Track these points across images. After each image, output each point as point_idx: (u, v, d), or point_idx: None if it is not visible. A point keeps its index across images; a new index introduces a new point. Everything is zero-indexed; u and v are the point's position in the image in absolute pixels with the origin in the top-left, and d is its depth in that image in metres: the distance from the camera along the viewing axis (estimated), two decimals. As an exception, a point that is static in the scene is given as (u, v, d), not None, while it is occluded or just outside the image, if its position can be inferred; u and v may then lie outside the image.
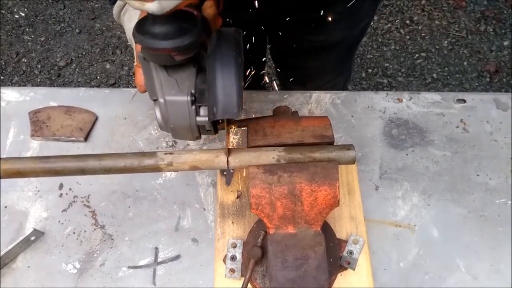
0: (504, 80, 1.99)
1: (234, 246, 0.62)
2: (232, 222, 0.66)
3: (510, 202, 0.70)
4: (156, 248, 0.67)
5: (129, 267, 0.66)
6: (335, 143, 0.55)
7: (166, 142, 0.76)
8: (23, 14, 2.11)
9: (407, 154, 0.75)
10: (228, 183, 0.69)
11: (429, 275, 0.66)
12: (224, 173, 0.70)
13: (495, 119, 0.79)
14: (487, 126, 0.78)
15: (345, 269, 0.62)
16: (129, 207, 0.70)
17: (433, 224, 0.70)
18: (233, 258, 0.61)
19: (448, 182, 0.69)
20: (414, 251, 0.68)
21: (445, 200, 0.71)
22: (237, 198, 0.68)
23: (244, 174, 0.69)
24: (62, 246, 0.67)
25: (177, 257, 0.66)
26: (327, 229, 0.61)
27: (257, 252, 0.56)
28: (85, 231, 0.69)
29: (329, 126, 0.56)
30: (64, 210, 0.70)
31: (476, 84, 1.97)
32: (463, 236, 0.69)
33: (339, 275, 0.61)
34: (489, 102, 0.81)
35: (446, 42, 2.05)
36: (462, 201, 0.65)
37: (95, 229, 0.69)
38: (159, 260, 0.66)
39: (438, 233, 0.69)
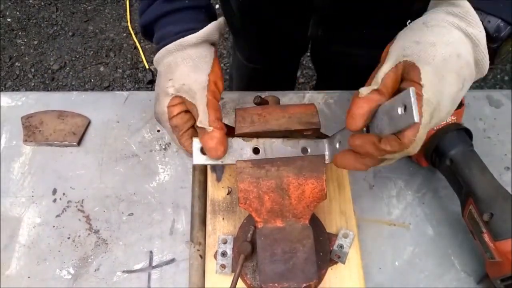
0: (498, 76, 2.00)
1: (225, 242, 0.62)
2: (223, 218, 0.66)
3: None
4: (151, 252, 0.67)
5: (123, 271, 0.65)
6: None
7: (160, 145, 0.76)
8: (9, 20, 2.11)
9: (401, 153, 0.75)
10: (218, 179, 0.69)
11: (424, 274, 0.66)
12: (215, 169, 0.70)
13: (488, 116, 0.79)
14: (480, 123, 0.78)
15: (336, 263, 0.62)
16: (122, 212, 0.70)
17: (428, 222, 0.70)
18: (223, 254, 0.61)
19: (442, 179, 0.69)
20: (409, 250, 0.68)
21: (439, 198, 0.72)
22: (227, 194, 0.68)
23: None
24: (57, 251, 0.67)
25: (172, 261, 0.66)
26: (317, 223, 0.62)
27: (246, 247, 0.57)
28: (79, 236, 0.68)
29: (316, 113, 0.57)
30: (58, 216, 0.70)
31: (470, 80, 1.97)
32: (458, 233, 0.69)
33: (329, 269, 0.61)
34: (481, 99, 0.81)
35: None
36: (456, 199, 0.65)
37: (89, 234, 0.68)
38: (154, 264, 0.66)
39: (433, 231, 0.69)
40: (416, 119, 0.36)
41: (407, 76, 0.44)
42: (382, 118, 0.43)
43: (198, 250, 0.64)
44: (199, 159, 0.55)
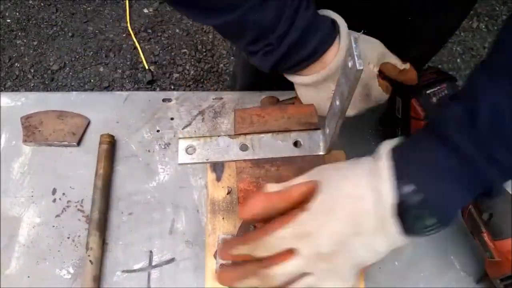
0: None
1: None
2: (223, 218, 0.66)
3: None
4: (151, 252, 0.67)
5: (123, 271, 0.66)
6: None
7: (159, 145, 0.76)
8: (9, 21, 2.11)
9: (400, 153, 0.75)
10: (218, 179, 0.69)
11: (424, 273, 0.66)
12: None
13: (487, 116, 0.79)
14: (479, 123, 0.78)
15: None
16: (122, 212, 0.70)
17: (427, 222, 0.70)
18: None
19: (441, 179, 0.69)
20: (409, 250, 0.68)
21: (439, 198, 0.72)
22: (227, 194, 0.68)
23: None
24: (57, 251, 0.67)
25: (171, 260, 0.66)
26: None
27: None
28: (79, 236, 0.68)
29: (315, 113, 0.57)
30: (58, 215, 0.70)
31: (470, 81, 1.97)
32: (457, 233, 0.69)
33: None
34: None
35: (439, 39, 2.06)
36: (456, 199, 0.65)
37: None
38: (153, 263, 0.66)
39: (432, 231, 0.69)
40: (358, 65, 0.36)
41: (310, 196, 0.44)
42: (342, 80, 0.43)
43: (88, 255, 0.64)
44: (184, 158, 0.55)
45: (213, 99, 0.81)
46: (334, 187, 0.43)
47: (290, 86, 0.64)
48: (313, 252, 0.42)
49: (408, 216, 0.41)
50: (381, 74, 0.60)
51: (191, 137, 0.56)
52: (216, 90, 2.00)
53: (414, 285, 0.65)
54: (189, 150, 0.55)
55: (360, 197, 0.42)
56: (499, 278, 0.60)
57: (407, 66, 0.61)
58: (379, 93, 0.60)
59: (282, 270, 0.43)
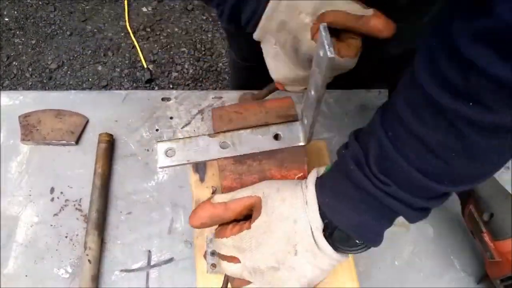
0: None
1: None
2: None
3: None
4: (149, 251, 0.66)
5: (121, 270, 0.65)
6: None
7: (158, 144, 0.75)
8: (7, 19, 2.10)
9: (400, 152, 0.75)
10: (202, 179, 0.69)
11: (424, 273, 0.66)
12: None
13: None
14: (479, 122, 0.78)
15: None
16: (121, 211, 0.70)
17: (428, 222, 0.70)
18: (213, 253, 0.61)
19: (441, 179, 0.69)
20: (409, 249, 0.68)
21: (439, 198, 0.71)
22: (212, 193, 0.67)
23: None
24: (55, 250, 0.67)
25: (170, 260, 0.66)
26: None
27: None
28: (77, 235, 0.68)
29: (293, 105, 0.56)
30: (56, 215, 0.69)
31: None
32: (458, 233, 0.69)
33: None
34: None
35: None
36: (456, 198, 0.65)
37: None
38: (152, 263, 0.66)
39: (433, 231, 0.69)
40: (329, 54, 0.36)
41: (253, 210, 0.50)
42: (315, 70, 0.43)
43: (87, 255, 0.64)
44: (164, 161, 0.54)
45: (212, 98, 0.80)
46: (273, 209, 0.47)
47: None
48: (253, 266, 0.47)
49: (335, 238, 0.46)
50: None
51: (170, 140, 0.56)
52: (215, 89, 2.00)
53: (414, 285, 0.65)
54: (169, 152, 0.54)
55: (295, 219, 0.46)
56: (499, 279, 0.59)
57: (369, 11, 0.48)
58: (310, 47, 0.50)
59: (227, 268, 0.50)
